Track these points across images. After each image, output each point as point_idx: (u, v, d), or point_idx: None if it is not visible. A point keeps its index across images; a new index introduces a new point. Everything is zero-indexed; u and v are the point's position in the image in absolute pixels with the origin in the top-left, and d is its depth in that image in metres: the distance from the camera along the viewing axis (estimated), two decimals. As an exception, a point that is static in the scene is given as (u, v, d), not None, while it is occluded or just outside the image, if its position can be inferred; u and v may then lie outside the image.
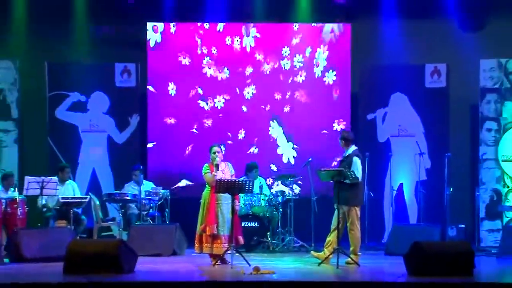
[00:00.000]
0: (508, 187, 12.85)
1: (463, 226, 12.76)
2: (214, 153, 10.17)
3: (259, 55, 13.53)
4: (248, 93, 13.55)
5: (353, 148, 10.32)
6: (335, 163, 12.40)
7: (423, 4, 13.33)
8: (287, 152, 13.57)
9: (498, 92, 12.97)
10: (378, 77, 13.60)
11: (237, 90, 13.54)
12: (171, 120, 13.50)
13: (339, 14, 13.55)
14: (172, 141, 13.51)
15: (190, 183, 12.31)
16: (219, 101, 13.51)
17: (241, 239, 10.17)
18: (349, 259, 9.96)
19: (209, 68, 13.51)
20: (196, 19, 13.61)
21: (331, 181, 10.20)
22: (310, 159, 12.30)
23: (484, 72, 13.01)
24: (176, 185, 12.34)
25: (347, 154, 10.29)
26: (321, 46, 13.50)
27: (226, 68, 13.51)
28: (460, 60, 13.34)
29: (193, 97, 13.54)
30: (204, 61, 13.51)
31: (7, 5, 13.30)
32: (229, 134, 13.46)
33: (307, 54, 13.52)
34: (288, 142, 13.56)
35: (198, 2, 13.50)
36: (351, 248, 10.10)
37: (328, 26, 13.52)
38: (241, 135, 13.53)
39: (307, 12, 13.53)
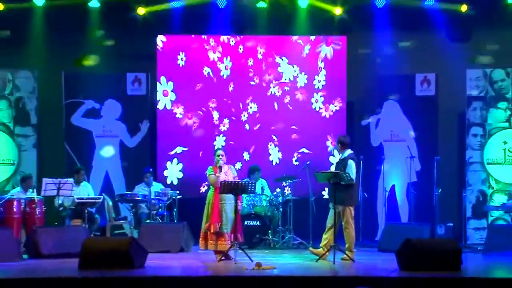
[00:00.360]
0: (493, 188, 12.80)
1: (451, 224, 12.73)
2: (218, 156, 10.20)
3: (261, 67, 13.52)
4: (250, 107, 13.52)
5: (348, 151, 10.28)
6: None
7: (414, 18, 13.30)
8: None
9: (483, 100, 12.93)
10: (371, 86, 13.58)
11: (241, 105, 13.50)
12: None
13: (336, 27, 13.51)
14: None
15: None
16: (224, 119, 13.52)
17: (239, 237, 10.12)
18: (345, 255, 9.94)
19: (213, 77, 13.51)
20: (201, 32, 13.57)
21: (328, 183, 10.18)
22: (308, 162, 12.30)
23: (470, 81, 12.97)
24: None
25: (343, 157, 10.26)
26: (319, 57, 13.45)
27: (229, 78, 13.51)
28: (448, 70, 13.32)
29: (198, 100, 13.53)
30: (205, 72, 13.48)
31: (27, 19, 13.27)
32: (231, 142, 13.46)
33: (303, 66, 13.48)
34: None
35: (203, 16, 13.44)
36: (346, 245, 10.07)
37: (324, 39, 13.48)
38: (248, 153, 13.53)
39: (305, 25, 13.48)
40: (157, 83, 13.47)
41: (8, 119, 13.09)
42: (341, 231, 10.20)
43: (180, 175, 13.39)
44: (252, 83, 13.46)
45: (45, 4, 13.07)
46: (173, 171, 13.40)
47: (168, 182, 13.27)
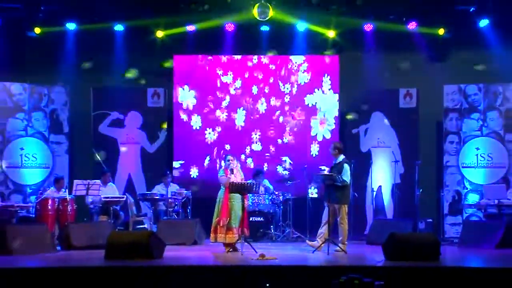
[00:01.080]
0: (467, 188, 12.79)
1: (430, 220, 12.69)
2: (229, 160, 10.23)
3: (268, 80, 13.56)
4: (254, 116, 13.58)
5: (342, 156, 10.30)
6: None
7: (398, 40, 13.29)
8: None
9: (458, 112, 12.94)
10: (361, 99, 13.55)
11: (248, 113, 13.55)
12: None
13: (330, 48, 13.54)
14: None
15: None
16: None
17: (246, 231, 10.14)
18: (338, 247, 9.94)
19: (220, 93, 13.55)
20: (212, 52, 13.60)
21: (323, 183, 10.21)
22: (305, 166, 12.33)
23: (447, 95, 12.99)
24: None
25: (338, 161, 10.27)
26: (315, 73, 13.50)
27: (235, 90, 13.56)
28: (428, 85, 13.30)
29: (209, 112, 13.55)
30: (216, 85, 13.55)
31: (60, 41, 13.30)
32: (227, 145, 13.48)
33: (300, 82, 13.52)
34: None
35: (213, 38, 13.47)
36: (340, 238, 10.08)
37: (319, 58, 13.52)
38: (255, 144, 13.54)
39: (302, 46, 13.49)
40: (173, 96, 13.51)
41: (44, 128, 13.11)
42: (335, 226, 10.22)
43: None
44: (258, 96, 13.52)
45: (76, 28, 13.10)
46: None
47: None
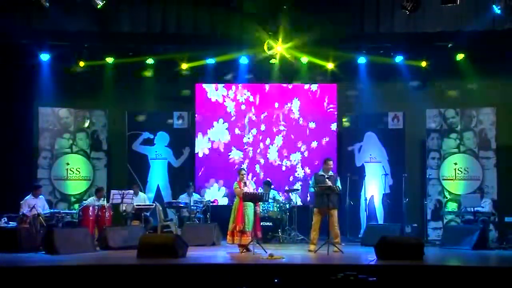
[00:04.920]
0: (446, 198, 12.70)
1: (415, 225, 12.62)
2: (242, 174, 10.22)
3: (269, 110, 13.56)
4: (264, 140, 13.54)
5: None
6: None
7: (387, 71, 13.30)
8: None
9: (439, 132, 12.88)
10: (355, 121, 13.55)
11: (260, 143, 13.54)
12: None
13: (329, 77, 13.55)
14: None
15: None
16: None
17: (259, 234, 10.12)
18: (336, 248, 9.86)
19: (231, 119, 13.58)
20: (228, 81, 13.67)
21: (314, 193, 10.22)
22: (308, 179, 12.30)
23: (429, 118, 12.94)
24: None
25: (331, 174, 10.26)
26: (315, 101, 13.50)
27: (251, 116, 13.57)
28: (413, 109, 13.26)
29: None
30: (230, 110, 13.56)
31: (101, 72, 13.39)
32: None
33: (296, 109, 13.50)
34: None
35: (230, 69, 13.54)
36: (334, 240, 9.96)
37: (316, 86, 13.53)
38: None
39: (305, 76, 13.53)
40: (195, 119, 13.54)
41: (86, 146, 13.17)
42: (325, 228, 10.14)
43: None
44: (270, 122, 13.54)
45: (114, 61, 13.19)
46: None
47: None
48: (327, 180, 10.04)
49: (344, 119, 13.59)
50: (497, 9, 10.49)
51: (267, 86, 13.59)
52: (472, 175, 12.59)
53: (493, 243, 11.33)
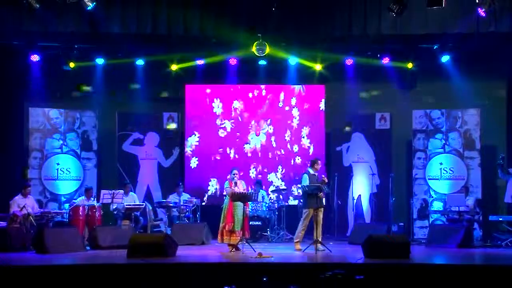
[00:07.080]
0: (432, 197, 12.75)
1: (402, 224, 12.63)
2: (234, 174, 10.19)
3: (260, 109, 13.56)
4: (252, 138, 13.49)
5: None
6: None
7: (374, 72, 13.29)
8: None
9: (425, 133, 12.93)
10: (343, 121, 13.55)
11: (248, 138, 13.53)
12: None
13: (317, 78, 13.56)
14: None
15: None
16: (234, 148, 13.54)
17: (247, 234, 10.09)
18: (324, 247, 9.85)
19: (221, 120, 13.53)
20: (217, 82, 13.60)
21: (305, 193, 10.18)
22: (297, 178, 12.29)
23: (415, 118, 12.97)
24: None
25: (316, 172, 10.25)
26: (303, 102, 13.50)
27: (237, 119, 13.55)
28: (399, 110, 13.32)
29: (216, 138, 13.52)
30: (218, 109, 13.52)
31: (91, 73, 13.29)
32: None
33: (292, 107, 13.51)
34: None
35: (219, 70, 13.46)
36: (319, 238, 9.89)
37: (308, 87, 13.53)
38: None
39: (294, 77, 13.51)
40: (185, 119, 13.50)
41: (76, 146, 13.07)
42: (311, 227, 10.13)
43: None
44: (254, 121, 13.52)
45: (104, 62, 13.11)
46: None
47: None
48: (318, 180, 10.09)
49: (331, 120, 13.59)
50: (481, 12, 10.55)
51: (255, 87, 13.56)
52: (457, 174, 12.64)
53: (478, 242, 11.39)
